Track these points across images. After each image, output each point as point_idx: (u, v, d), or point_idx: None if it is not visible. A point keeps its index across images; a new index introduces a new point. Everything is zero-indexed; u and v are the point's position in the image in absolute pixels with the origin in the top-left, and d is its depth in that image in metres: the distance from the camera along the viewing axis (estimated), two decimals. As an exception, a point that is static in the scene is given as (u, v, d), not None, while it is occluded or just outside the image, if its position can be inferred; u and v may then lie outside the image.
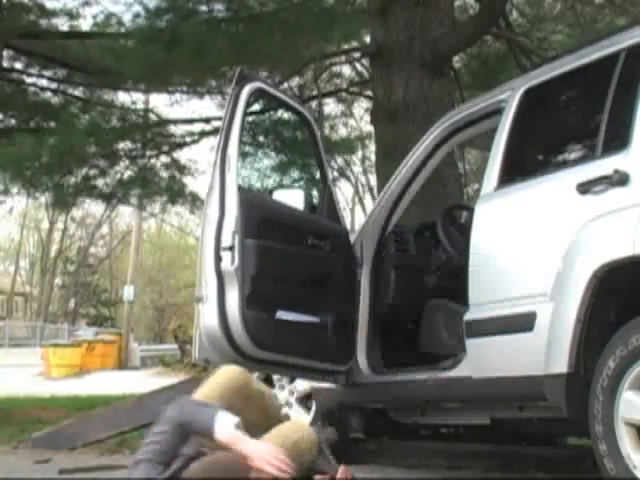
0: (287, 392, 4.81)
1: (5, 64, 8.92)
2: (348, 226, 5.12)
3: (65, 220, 40.26)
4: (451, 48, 7.15)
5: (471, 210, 4.07)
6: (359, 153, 16.86)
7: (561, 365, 3.13)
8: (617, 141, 3.21)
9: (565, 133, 3.88)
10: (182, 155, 10.04)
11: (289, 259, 3.97)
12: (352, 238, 4.53)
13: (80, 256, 40.66)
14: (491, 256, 3.65)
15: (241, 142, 4.12)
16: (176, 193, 9.54)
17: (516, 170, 3.78)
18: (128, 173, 9.33)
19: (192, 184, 10.25)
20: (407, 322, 4.62)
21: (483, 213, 3.78)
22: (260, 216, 3.92)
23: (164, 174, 9.59)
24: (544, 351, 3.20)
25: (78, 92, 9.41)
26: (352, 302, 4.38)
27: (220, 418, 2.59)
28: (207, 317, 3.82)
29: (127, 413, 6.16)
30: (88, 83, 9.07)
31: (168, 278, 41.89)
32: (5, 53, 8.81)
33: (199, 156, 10.11)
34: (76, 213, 38.44)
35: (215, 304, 3.79)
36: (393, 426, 4.72)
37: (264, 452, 2.56)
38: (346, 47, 9.30)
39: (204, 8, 7.56)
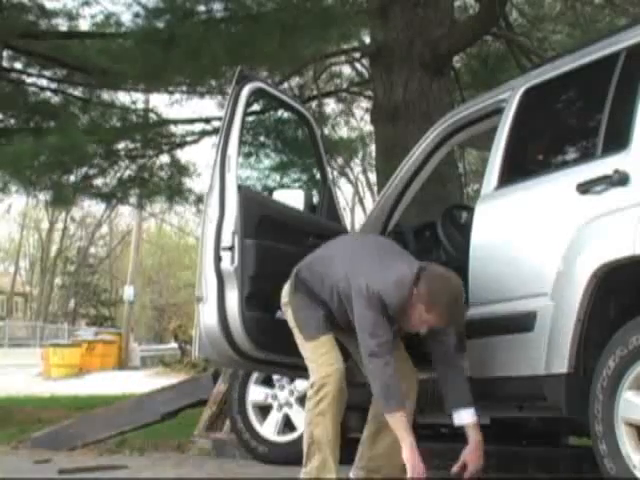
0: (287, 392, 4.81)
1: (5, 64, 8.91)
2: (348, 226, 5.11)
3: (65, 220, 40.29)
4: (451, 48, 7.14)
5: (471, 210, 4.07)
6: (359, 153, 16.84)
7: (561, 365, 3.13)
8: (617, 141, 3.20)
9: (565, 133, 3.87)
10: (182, 155, 10.04)
11: (289, 259, 3.96)
12: (352, 238, 4.51)
13: (80, 256, 40.67)
14: (491, 256, 3.65)
15: (241, 142, 4.12)
16: (175, 193, 9.54)
17: (516, 170, 3.78)
18: (128, 173, 9.34)
19: (192, 184, 10.27)
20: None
21: (483, 213, 3.78)
22: (260, 216, 3.92)
23: (163, 174, 9.59)
24: (544, 351, 3.21)
25: (78, 92, 9.40)
26: (352, 302, 4.37)
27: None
28: (207, 317, 3.82)
29: (127, 413, 6.16)
30: (88, 83, 9.05)
31: (168, 278, 41.91)
32: (5, 53, 8.80)
33: (199, 156, 10.12)
34: (76, 213, 38.51)
35: (215, 304, 3.79)
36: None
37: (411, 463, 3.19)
38: (346, 47, 9.29)
39: (202, 8, 7.54)
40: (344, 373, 3.48)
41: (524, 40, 8.87)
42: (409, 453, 3.20)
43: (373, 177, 19.50)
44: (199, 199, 9.56)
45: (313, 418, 3.42)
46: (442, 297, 3.23)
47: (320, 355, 3.47)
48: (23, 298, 45.61)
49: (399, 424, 3.23)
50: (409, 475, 3.19)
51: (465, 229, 4.08)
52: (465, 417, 3.35)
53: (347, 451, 4.59)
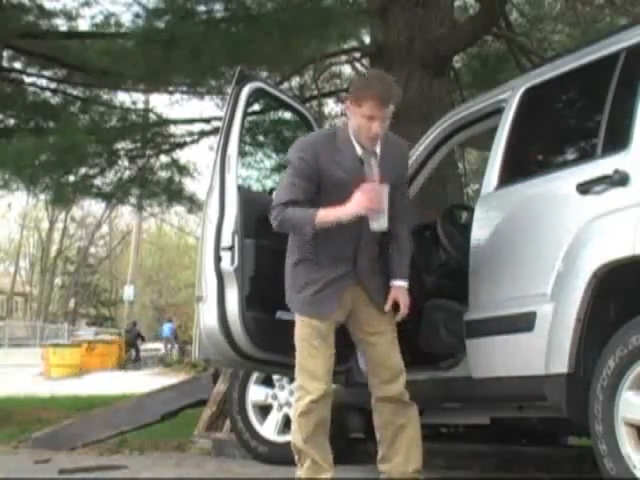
0: (287, 392, 4.80)
1: (5, 64, 8.92)
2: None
3: (65, 220, 40.34)
4: (451, 48, 7.15)
5: (471, 210, 4.07)
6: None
7: (561, 365, 3.13)
8: (617, 141, 3.21)
9: (565, 133, 3.87)
10: (182, 155, 10.05)
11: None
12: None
13: (80, 256, 40.70)
14: (491, 256, 3.65)
15: (241, 142, 4.12)
16: (175, 193, 9.55)
17: (516, 170, 3.78)
18: (127, 173, 9.34)
19: (192, 184, 10.27)
20: (407, 322, 4.62)
21: (483, 213, 3.78)
22: (260, 216, 3.91)
23: (163, 174, 9.60)
24: (544, 351, 3.21)
25: (78, 92, 9.41)
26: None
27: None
28: (207, 317, 3.82)
29: (127, 413, 6.16)
30: (88, 83, 9.06)
31: (168, 278, 41.95)
32: (5, 53, 8.81)
33: (199, 156, 10.13)
34: (76, 213, 38.59)
35: (215, 304, 3.79)
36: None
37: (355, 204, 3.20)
38: (346, 47, 9.31)
39: (202, 9, 7.55)
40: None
41: (524, 40, 8.87)
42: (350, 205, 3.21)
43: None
44: (192, 199, 9.59)
45: (294, 423, 3.42)
46: (367, 82, 3.38)
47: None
48: (23, 298, 45.61)
49: (324, 217, 3.27)
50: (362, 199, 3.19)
51: (465, 229, 4.08)
52: (397, 282, 3.50)
53: (347, 451, 4.61)
